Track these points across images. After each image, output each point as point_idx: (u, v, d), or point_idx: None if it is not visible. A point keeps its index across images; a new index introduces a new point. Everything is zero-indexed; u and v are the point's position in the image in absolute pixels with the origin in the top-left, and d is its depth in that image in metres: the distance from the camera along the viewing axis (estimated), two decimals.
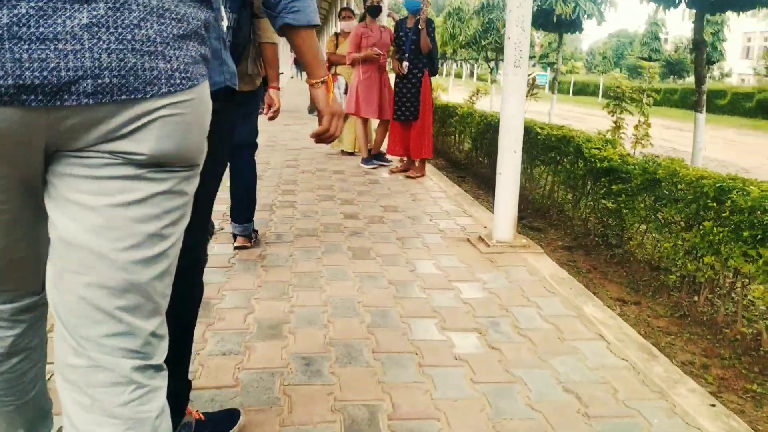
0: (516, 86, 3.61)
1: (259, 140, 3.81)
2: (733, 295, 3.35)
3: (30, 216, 1.04)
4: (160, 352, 1.01)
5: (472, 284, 3.10)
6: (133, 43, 0.86)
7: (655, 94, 6.40)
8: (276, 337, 2.44)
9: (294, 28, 1.49)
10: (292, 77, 29.14)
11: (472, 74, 49.48)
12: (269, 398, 2.01)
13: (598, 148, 4.58)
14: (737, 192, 3.07)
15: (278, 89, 3.44)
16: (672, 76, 34.73)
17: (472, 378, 2.18)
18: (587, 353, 2.40)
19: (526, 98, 10.02)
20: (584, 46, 59.51)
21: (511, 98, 3.63)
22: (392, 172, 6.33)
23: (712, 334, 3.20)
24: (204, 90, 1.00)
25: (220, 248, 3.56)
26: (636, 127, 7.05)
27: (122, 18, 0.85)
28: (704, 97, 5.17)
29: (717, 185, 3.18)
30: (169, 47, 0.91)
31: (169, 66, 0.91)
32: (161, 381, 1.01)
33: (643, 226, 4.12)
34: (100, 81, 0.85)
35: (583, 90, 28.84)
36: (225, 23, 1.71)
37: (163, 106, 0.91)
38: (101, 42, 0.84)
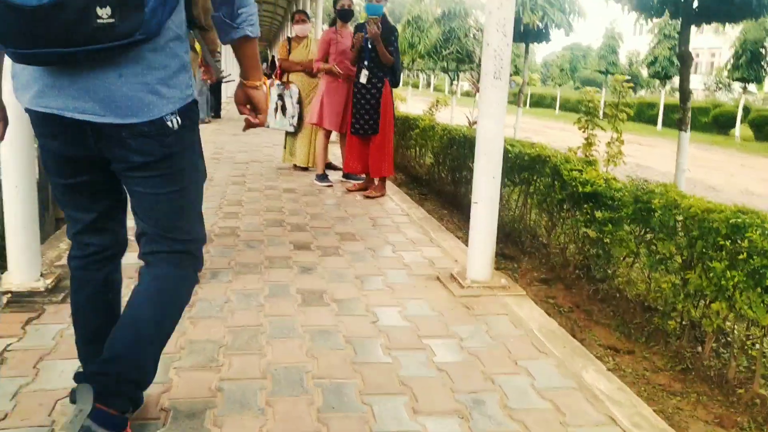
0: (496, 101, 3.09)
1: (204, 152, 3.17)
2: (746, 348, 2.89)
3: None
4: None
5: (447, 342, 2.54)
6: None
7: (629, 109, 6.00)
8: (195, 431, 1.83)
9: (249, 39, 1.62)
10: None
11: (429, 84, 49.40)
12: None
13: (579, 170, 4.11)
14: (756, 230, 2.60)
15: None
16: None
17: None
18: None
19: None
20: (538, 58, 60.25)
21: (490, 115, 3.11)
22: (349, 190, 5.75)
23: (723, 395, 2.73)
24: None
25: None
26: (609, 144, 6.63)
27: None
28: (689, 114, 4.78)
29: (730, 221, 2.72)
30: None
31: None
32: None
33: (633, 261, 3.66)
34: None
35: (540, 102, 28.87)
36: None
37: None
38: None
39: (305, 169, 6.72)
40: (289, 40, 6.51)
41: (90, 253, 1.73)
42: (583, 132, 6.63)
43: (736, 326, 2.84)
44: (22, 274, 2.79)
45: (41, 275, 2.85)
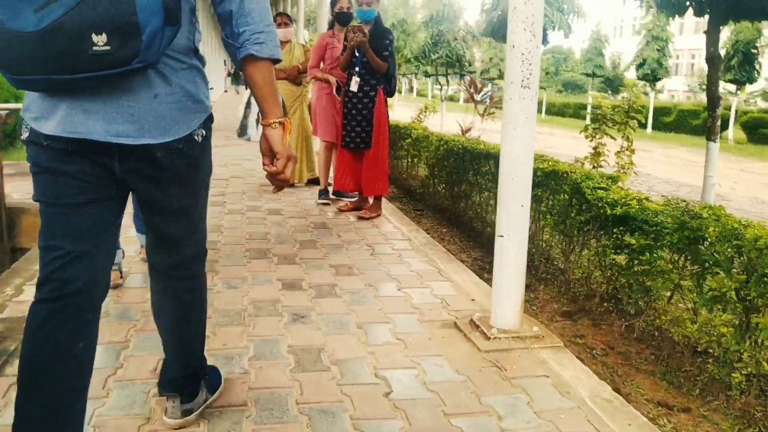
0: (524, 115, 2.57)
1: None
2: None
3: None
4: None
5: (482, 422, 2.01)
6: None
7: (640, 116, 5.54)
8: None
9: (255, 60, 1.50)
10: (226, 91, 27.59)
11: (411, 89, 48.95)
12: None
13: (603, 188, 3.62)
14: None
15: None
16: (609, 92, 35.11)
17: None
18: None
19: (483, 117, 9.07)
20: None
21: (517, 132, 2.59)
22: (341, 210, 5.21)
23: None
24: None
25: None
26: (618, 153, 6.15)
27: None
28: (719, 122, 4.31)
29: None
30: None
31: None
32: None
33: (676, 295, 3.17)
34: None
35: None
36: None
37: None
38: None
39: (291, 185, 6.17)
40: None
41: (68, 294, 1.47)
42: (591, 141, 6.15)
43: None
44: None
45: None
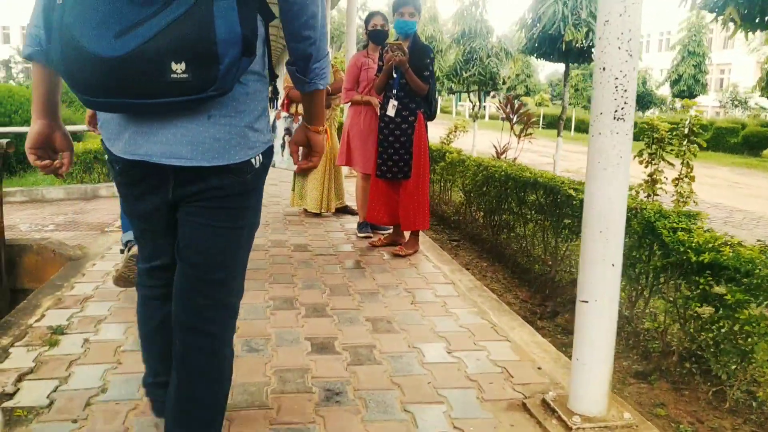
0: (617, 152, 2.06)
1: None
2: None
3: None
4: None
5: None
6: None
7: (702, 140, 4.98)
8: None
9: (320, 90, 1.65)
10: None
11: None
12: None
13: (685, 230, 3.08)
14: None
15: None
16: (641, 110, 34.33)
17: None
18: None
19: (521, 138, 8.55)
20: (541, 77, 59.47)
21: (608, 172, 2.08)
22: (373, 245, 4.72)
23: None
24: None
25: None
26: (676, 181, 5.59)
27: None
28: None
29: None
30: None
31: None
32: None
33: None
34: None
35: (553, 123, 27.94)
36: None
37: None
38: None
39: (317, 214, 5.71)
40: None
41: (161, 285, 1.73)
42: (646, 167, 5.59)
43: None
44: None
45: None
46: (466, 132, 12.12)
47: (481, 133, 12.68)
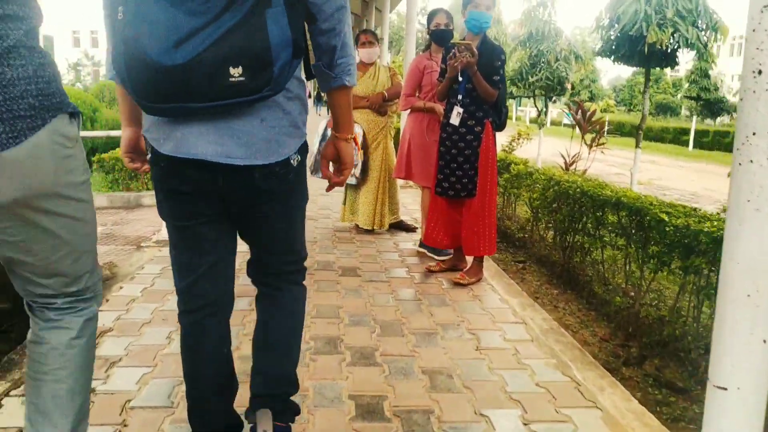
0: None
1: None
2: None
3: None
4: (87, 291, 1.51)
5: None
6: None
7: None
8: None
9: (346, 88, 1.65)
10: (319, 114, 26.92)
11: None
12: None
13: None
14: None
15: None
16: (711, 117, 32.59)
17: None
18: None
19: (592, 147, 7.85)
20: (603, 82, 57.50)
21: (761, 215, 1.51)
22: (430, 271, 4.20)
23: None
24: (37, 138, 1.26)
25: None
26: None
27: None
28: None
29: None
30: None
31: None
32: (88, 304, 1.53)
33: None
34: None
35: (618, 129, 26.71)
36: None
37: None
38: None
39: (370, 231, 5.24)
40: None
41: (203, 305, 1.73)
42: None
43: None
44: None
45: None
46: (530, 140, 11.46)
47: (544, 141, 11.98)
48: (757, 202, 1.51)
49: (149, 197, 6.79)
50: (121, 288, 3.54)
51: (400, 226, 5.43)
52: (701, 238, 3.13)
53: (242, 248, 1.80)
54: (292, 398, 1.91)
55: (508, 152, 8.69)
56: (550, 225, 5.34)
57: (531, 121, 12.62)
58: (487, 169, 3.85)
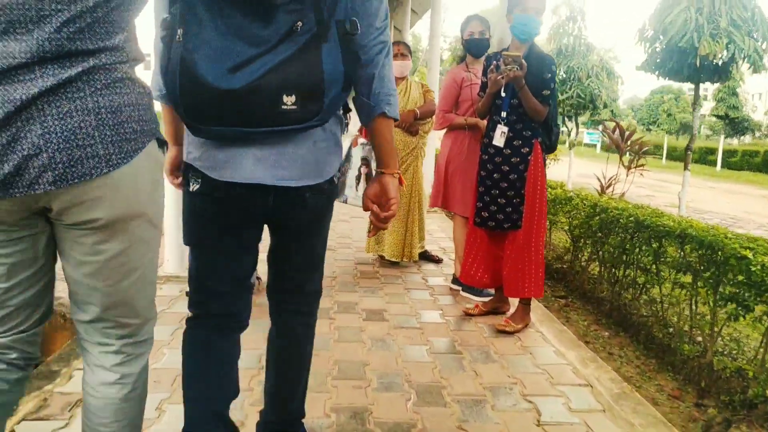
0: None
1: None
2: None
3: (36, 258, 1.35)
4: (144, 332, 1.49)
5: None
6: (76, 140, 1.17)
7: None
8: None
9: (386, 118, 1.61)
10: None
11: None
12: None
13: None
14: None
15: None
16: (734, 135, 31.84)
17: None
18: None
19: (630, 170, 7.27)
20: (619, 102, 56.79)
21: None
22: (468, 314, 3.64)
23: None
24: (139, 159, 1.28)
25: None
26: None
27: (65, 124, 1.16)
28: None
29: None
30: (105, 136, 1.21)
31: (106, 151, 1.21)
32: (143, 349, 1.50)
33: None
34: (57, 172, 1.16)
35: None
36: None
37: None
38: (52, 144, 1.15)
39: (395, 263, 4.69)
40: None
41: (224, 316, 1.73)
42: None
43: None
44: None
45: None
46: (557, 160, 10.88)
47: (584, 166, 11.42)
48: None
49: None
50: None
51: (425, 257, 4.88)
52: None
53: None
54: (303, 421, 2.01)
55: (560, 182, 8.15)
56: (595, 256, 4.77)
57: (575, 144, 12.07)
58: (534, 197, 3.31)
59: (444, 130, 4.13)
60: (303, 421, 2.02)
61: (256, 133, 1.42)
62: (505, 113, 3.25)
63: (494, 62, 3.20)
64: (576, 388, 2.67)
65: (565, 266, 5.32)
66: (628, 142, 7.22)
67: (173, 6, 1.42)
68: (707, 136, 38.17)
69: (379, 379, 2.66)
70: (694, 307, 3.52)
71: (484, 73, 3.44)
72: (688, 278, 3.58)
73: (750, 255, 2.94)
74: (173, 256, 4.09)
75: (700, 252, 3.37)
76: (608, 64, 9.75)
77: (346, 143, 4.52)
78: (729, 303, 3.10)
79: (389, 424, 2.27)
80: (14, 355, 1.36)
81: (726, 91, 25.02)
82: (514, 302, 3.64)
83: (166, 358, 2.80)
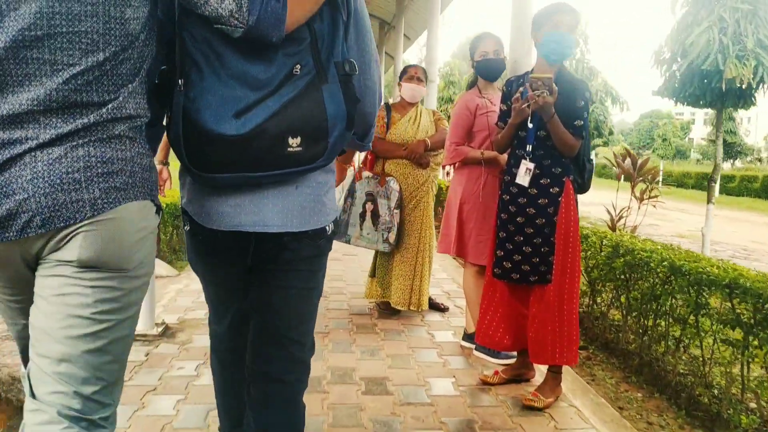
0: None
1: None
2: None
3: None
4: (100, 413, 1.25)
5: None
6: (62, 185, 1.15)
7: None
8: None
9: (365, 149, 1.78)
10: None
11: None
12: None
13: None
14: None
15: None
16: (728, 159, 31.69)
17: None
18: None
19: (641, 203, 6.78)
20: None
21: None
22: (485, 383, 3.08)
23: None
24: (126, 209, 1.24)
25: None
26: None
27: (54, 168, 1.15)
28: None
29: None
30: (92, 183, 1.18)
31: (91, 196, 1.18)
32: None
33: None
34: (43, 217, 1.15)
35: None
36: None
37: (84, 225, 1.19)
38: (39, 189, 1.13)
39: (396, 311, 4.14)
40: (388, 107, 4.07)
41: (227, 351, 1.87)
42: None
43: None
44: None
45: None
46: None
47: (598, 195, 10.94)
48: None
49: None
50: None
51: (429, 304, 4.33)
52: None
53: None
54: None
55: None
56: (617, 302, 4.26)
57: None
58: (567, 246, 2.78)
59: (453, 166, 3.61)
60: None
61: (264, 176, 1.42)
62: (530, 147, 2.74)
63: (520, 88, 2.69)
64: None
65: (581, 311, 4.78)
66: (641, 171, 6.75)
67: (170, 56, 1.41)
68: (697, 161, 38.06)
69: None
70: (746, 368, 3.01)
71: (504, 100, 2.94)
72: (737, 334, 3.07)
73: None
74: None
75: (756, 306, 2.87)
76: (613, 90, 9.37)
77: (348, 179, 4.02)
78: None
79: None
80: None
81: (724, 115, 24.83)
82: (539, 366, 3.10)
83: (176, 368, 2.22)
